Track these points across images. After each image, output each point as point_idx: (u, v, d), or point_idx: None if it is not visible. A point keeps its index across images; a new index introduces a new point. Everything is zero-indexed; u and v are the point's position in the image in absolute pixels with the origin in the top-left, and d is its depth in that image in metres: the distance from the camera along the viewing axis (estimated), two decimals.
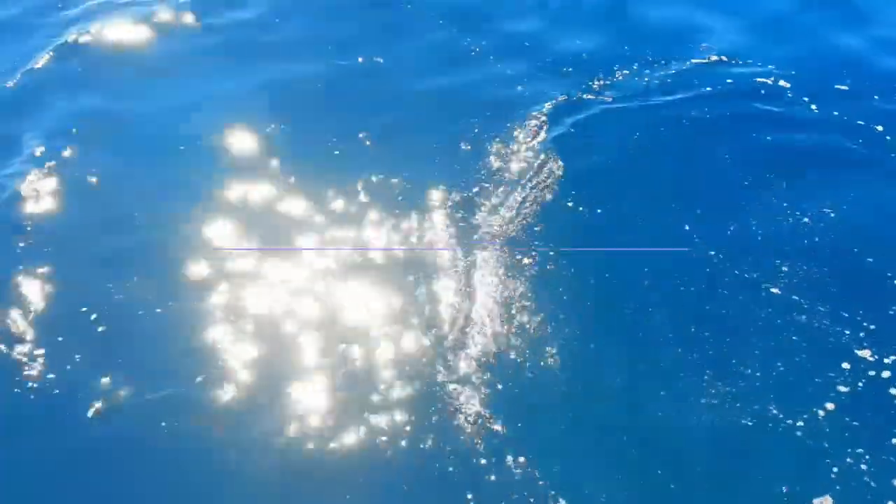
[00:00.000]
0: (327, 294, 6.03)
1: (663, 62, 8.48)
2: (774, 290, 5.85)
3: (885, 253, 6.15)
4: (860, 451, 4.80)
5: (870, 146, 7.30)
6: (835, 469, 4.73)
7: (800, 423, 4.92)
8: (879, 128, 7.49)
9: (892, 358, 5.31)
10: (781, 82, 8.09)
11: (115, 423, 5.14)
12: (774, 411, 5.03)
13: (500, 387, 5.30)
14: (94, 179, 7.06)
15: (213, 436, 5.08)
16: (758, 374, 5.30)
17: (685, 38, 9.00)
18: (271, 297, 5.97)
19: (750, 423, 4.99)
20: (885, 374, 5.23)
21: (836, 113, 7.65)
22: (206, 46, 8.92)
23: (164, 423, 5.12)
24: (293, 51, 8.80)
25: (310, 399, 5.30)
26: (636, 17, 9.53)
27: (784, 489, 4.66)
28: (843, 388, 5.14)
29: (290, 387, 5.37)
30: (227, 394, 5.31)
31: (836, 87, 8.07)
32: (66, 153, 7.31)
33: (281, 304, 5.93)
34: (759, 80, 8.17)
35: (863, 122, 7.54)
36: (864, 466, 4.73)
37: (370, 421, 5.14)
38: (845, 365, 5.28)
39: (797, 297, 5.78)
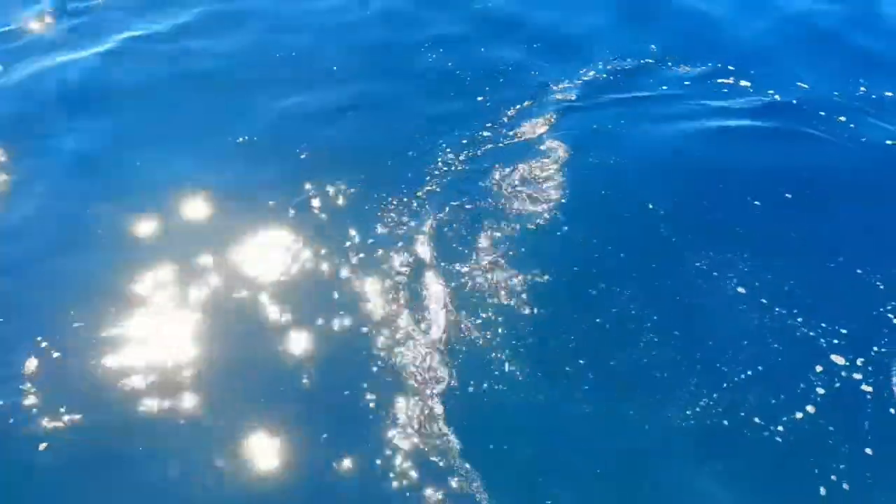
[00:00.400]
0: (299, 298, 5.94)
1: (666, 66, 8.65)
2: (755, 295, 5.97)
3: (860, 255, 6.31)
4: (839, 461, 4.95)
5: (838, 137, 7.55)
6: (814, 476, 4.89)
7: (780, 428, 5.07)
8: (842, 118, 7.76)
9: (862, 360, 5.50)
10: (772, 93, 8.24)
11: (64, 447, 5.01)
12: (756, 418, 5.16)
13: (475, 394, 5.27)
14: (53, 205, 6.79)
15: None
16: (742, 377, 5.42)
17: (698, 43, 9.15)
18: (238, 303, 5.88)
19: (731, 428, 5.11)
20: (857, 375, 5.41)
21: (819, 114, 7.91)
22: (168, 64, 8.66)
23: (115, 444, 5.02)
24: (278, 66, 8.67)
25: (276, 407, 5.21)
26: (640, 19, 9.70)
27: (764, 494, 4.83)
28: (820, 390, 5.31)
29: (254, 398, 5.28)
30: (190, 403, 5.25)
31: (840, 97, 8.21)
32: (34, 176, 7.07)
33: (248, 310, 5.84)
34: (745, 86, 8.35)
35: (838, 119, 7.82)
36: (843, 481, 4.86)
37: (333, 430, 5.08)
38: (819, 368, 5.44)
39: (778, 302, 5.92)
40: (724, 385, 5.37)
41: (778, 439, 5.06)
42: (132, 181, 7.00)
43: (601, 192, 6.92)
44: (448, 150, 7.31)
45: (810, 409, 5.22)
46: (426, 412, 5.17)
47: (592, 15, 9.74)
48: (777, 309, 5.88)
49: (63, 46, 8.93)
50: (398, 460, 4.92)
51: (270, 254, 6.31)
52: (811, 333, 5.70)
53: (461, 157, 7.23)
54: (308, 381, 5.39)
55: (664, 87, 8.30)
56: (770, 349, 5.61)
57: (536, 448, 5.04)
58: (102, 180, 7.02)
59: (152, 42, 9.01)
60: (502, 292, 5.96)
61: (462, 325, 5.71)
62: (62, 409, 5.17)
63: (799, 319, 5.80)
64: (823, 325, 5.75)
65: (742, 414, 5.20)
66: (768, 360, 5.54)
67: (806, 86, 8.35)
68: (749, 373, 5.45)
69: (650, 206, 6.74)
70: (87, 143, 7.45)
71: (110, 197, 6.81)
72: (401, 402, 5.23)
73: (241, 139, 7.46)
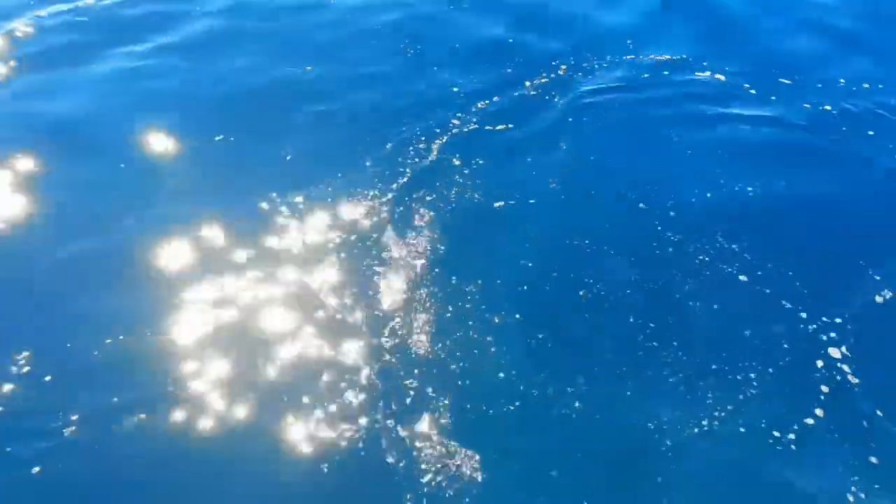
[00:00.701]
0: (282, 298, 5.71)
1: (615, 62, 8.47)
2: (757, 290, 5.80)
3: (849, 241, 6.24)
4: (845, 470, 4.80)
5: (817, 132, 7.42)
6: (817, 478, 4.74)
7: (791, 436, 4.89)
8: (828, 106, 7.69)
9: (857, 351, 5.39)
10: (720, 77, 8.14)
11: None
12: (767, 425, 4.97)
13: (466, 396, 5.07)
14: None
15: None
16: (754, 384, 5.22)
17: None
18: (197, 313, 5.61)
19: (745, 434, 4.92)
20: (848, 367, 5.30)
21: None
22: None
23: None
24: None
25: (263, 409, 5.01)
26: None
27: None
28: (824, 388, 5.17)
29: (216, 406, 5.05)
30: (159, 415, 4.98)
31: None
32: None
33: (207, 319, 5.58)
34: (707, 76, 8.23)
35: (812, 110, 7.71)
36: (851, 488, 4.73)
37: (326, 427, 4.90)
38: (819, 362, 5.31)
39: (782, 297, 5.76)
40: (726, 382, 5.19)
41: (793, 447, 4.88)
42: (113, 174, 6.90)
43: (597, 190, 6.72)
44: (429, 144, 7.13)
45: (816, 410, 5.05)
46: (417, 412, 4.97)
47: (609, 10, 9.53)
48: (783, 302, 5.72)
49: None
50: (389, 459, 4.73)
51: (253, 253, 6.10)
52: (812, 327, 5.55)
53: (444, 153, 7.04)
54: (298, 383, 5.17)
55: (664, 85, 8.08)
56: (770, 344, 5.44)
57: (532, 445, 4.86)
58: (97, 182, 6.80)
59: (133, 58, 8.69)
60: (494, 288, 5.78)
61: (451, 324, 5.50)
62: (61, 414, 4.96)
63: (803, 315, 5.64)
64: (825, 318, 5.60)
65: (745, 411, 5.03)
66: (769, 356, 5.36)
67: (816, 86, 8.17)
68: (751, 373, 5.27)
69: (641, 206, 6.54)
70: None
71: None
72: (386, 404, 5.02)
73: (218, 137, 7.30)
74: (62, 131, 7.36)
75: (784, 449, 4.84)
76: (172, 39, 8.98)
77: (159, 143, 7.23)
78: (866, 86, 8.11)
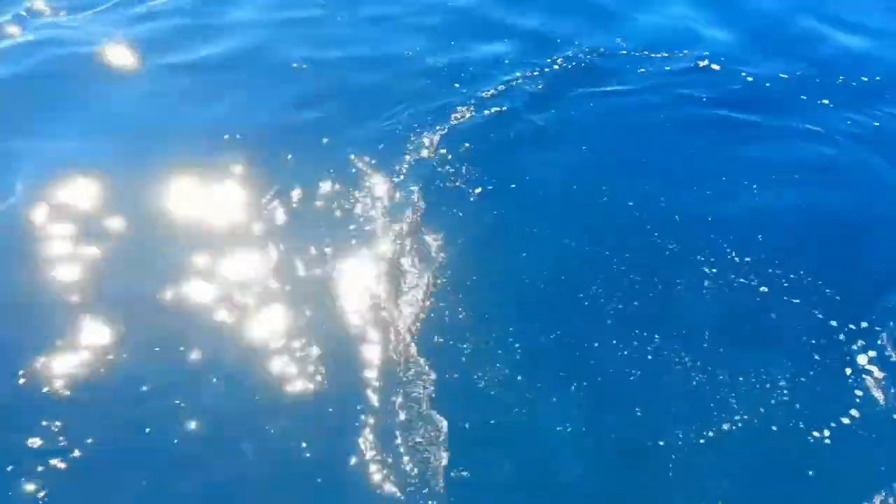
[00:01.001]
0: (277, 297, 5.75)
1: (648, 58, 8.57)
2: (773, 294, 5.86)
3: (873, 249, 6.33)
4: (888, 469, 4.84)
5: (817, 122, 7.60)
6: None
7: (827, 433, 4.96)
8: (826, 101, 7.89)
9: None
10: (738, 80, 8.26)
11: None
12: (801, 424, 5.05)
13: (464, 408, 5.04)
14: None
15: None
16: (784, 391, 5.26)
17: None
18: (213, 303, 5.69)
19: (780, 434, 4.98)
20: (876, 373, 5.35)
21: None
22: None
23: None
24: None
25: (254, 410, 5.04)
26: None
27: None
28: (858, 392, 5.24)
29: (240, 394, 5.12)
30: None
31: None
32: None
33: (225, 311, 5.64)
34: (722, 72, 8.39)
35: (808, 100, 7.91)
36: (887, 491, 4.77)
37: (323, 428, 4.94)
38: (848, 370, 5.37)
39: (800, 299, 5.83)
40: (753, 388, 5.24)
41: (827, 442, 4.96)
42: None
43: (598, 191, 6.74)
44: (427, 140, 7.15)
45: (851, 411, 5.12)
46: (415, 412, 4.98)
47: (629, 7, 9.58)
48: (797, 302, 5.80)
49: None
50: (388, 458, 4.76)
51: (248, 253, 6.12)
52: (839, 337, 5.62)
53: (442, 149, 7.07)
54: (295, 384, 5.20)
55: (673, 86, 8.16)
56: (789, 352, 5.50)
57: (535, 446, 4.87)
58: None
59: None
60: (493, 288, 5.81)
61: (447, 326, 5.52)
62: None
63: (833, 323, 5.71)
64: (852, 325, 5.68)
65: (776, 414, 5.07)
66: (799, 361, 5.44)
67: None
68: (780, 381, 5.32)
69: (631, 204, 6.57)
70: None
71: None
72: (386, 405, 5.04)
73: (226, 136, 7.28)
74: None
75: (819, 449, 4.90)
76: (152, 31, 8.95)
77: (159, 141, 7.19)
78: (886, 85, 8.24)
